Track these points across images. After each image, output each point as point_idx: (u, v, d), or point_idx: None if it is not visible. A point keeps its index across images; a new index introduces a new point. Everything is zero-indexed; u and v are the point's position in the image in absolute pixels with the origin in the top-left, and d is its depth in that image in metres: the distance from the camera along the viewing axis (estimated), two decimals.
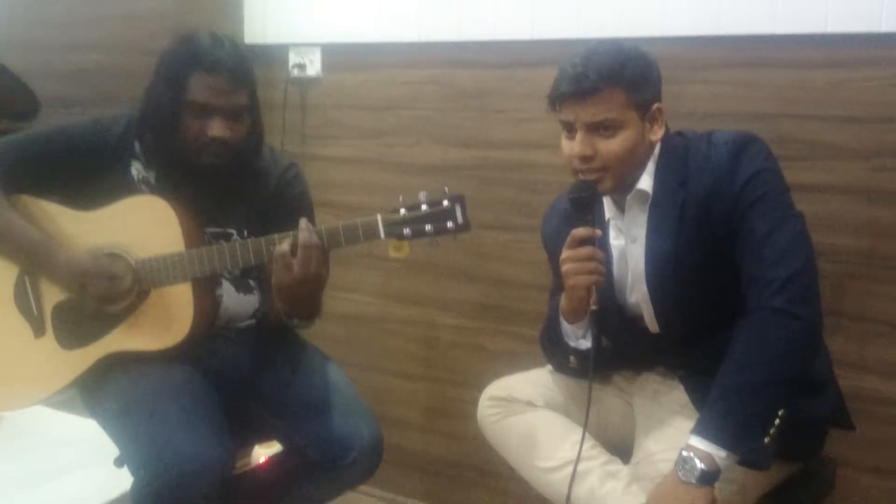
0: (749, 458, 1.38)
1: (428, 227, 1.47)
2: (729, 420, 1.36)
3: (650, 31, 1.93)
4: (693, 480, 1.33)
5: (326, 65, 2.46)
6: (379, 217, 1.48)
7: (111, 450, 1.62)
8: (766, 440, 1.39)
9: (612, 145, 1.47)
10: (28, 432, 2.53)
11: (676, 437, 1.43)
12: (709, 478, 1.34)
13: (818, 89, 1.83)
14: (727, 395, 1.38)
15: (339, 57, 2.43)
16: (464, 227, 1.47)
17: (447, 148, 2.30)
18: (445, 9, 2.22)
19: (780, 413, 1.40)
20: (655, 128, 1.51)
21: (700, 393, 1.50)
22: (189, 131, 1.60)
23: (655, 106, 1.50)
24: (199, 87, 1.58)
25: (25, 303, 1.68)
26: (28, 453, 2.50)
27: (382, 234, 1.48)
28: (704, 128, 1.59)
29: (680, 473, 1.35)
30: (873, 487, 1.85)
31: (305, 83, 2.50)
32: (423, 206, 1.47)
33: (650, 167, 1.52)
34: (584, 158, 1.48)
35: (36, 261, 1.64)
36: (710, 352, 1.47)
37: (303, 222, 1.50)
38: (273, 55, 2.49)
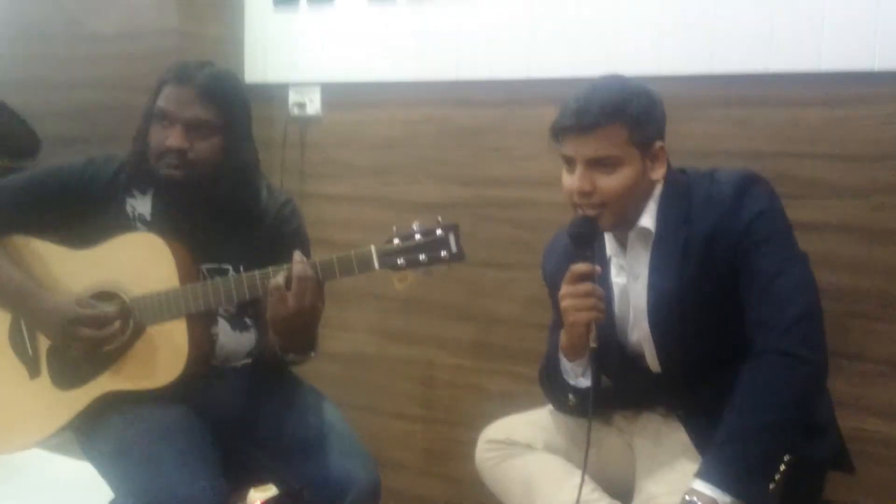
0: (754, 503, 1.36)
1: (422, 257, 1.46)
2: (734, 465, 1.34)
3: (645, 70, 1.94)
4: None
5: (326, 103, 2.48)
6: (373, 248, 1.48)
7: (106, 493, 1.60)
8: (770, 486, 1.36)
9: (611, 181, 1.46)
10: (24, 474, 2.50)
11: (678, 480, 1.41)
12: None
13: (813, 127, 1.84)
14: (733, 438, 1.36)
15: (338, 96, 2.45)
16: (458, 257, 1.46)
17: (445, 186, 2.31)
18: (444, 48, 2.24)
19: (785, 458, 1.38)
20: (657, 166, 1.50)
21: (702, 434, 1.48)
22: (152, 140, 1.63)
23: (658, 144, 1.50)
24: (165, 95, 1.62)
25: (21, 344, 1.68)
26: (24, 496, 2.47)
27: (377, 265, 1.47)
28: (700, 166, 1.59)
29: None
30: None
31: (305, 122, 2.52)
32: (417, 236, 1.46)
33: (652, 205, 1.52)
34: (583, 193, 1.47)
35: (23, 309, 1.65)
36: (712, 392, 1.46)
37: (297, 255, 1.50)
38: (273, 94, 2.52)
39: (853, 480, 1.63)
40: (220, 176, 1.66)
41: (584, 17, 2.04)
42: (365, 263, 1.48)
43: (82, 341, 1.58)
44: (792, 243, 1.47)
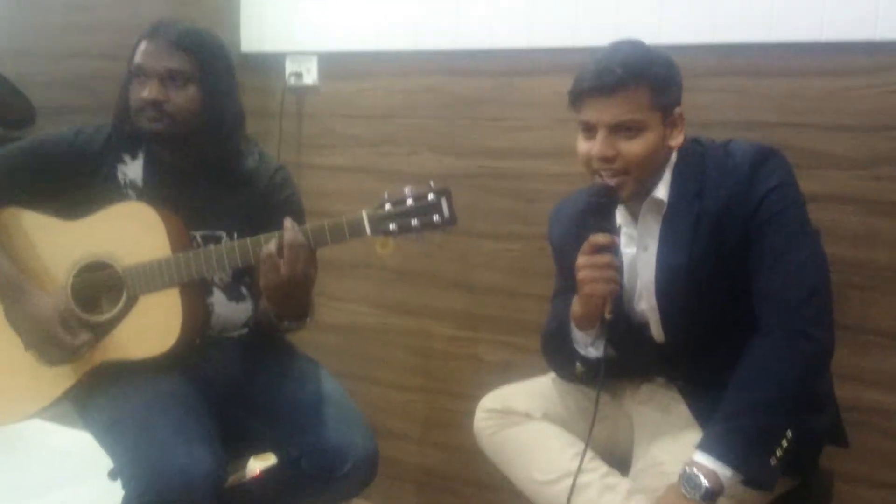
0: (755, 478, 1.36)
1: (414, 222, 1.44)
2: (737, 439, 1.34)
3: (647, 39, 1.90)
4: (696, 497, 1.31)
5: (323, 73, 2.46)
6: (364, 213, 1.46)
7: (106, 462, 1.60)
8: (772, 461, 1.37)
9: (634, 147, 1.43)
10: (23, 445, 2.52)
11: (682, 450, 1.41)
12: (712, 495, 1.32)
13: (814, 97, 1.82)
14: (737, 413, 1.36)
15: (335, 65, 2.43)
16: (450, 221, 1.44)
17: (443, 157, 2.29)
18: (442, 17, 2.22)
19: (787, 434, 1.38)
20: (676, 133, 1.48)
21: (701, 406, 1.49)
22: (132, 96, 1.63)
23: (678, 110, 1.48)
24: (140, 51, 1.63)
25: None
26: (23, 466, 2.48)
27: (368, 231, 1.45)
28: (700, 135, 1.58)
29: (683, 489, 1.33)
30: (873, 500, 1.83)
31: (302, 92, 2.50)
32: (409, 201, 1.44)
33: (667, 175, 1.50)
34: (606, 159, 1.44)
35: (8, 300, 1.63)
36: (713, 364, 1.46)
37: (287, 222, 1.48)
38: (270, 64, 2.50)
39: (851, 451, 1.64)
40: (200, 128, 1.65)
41: None
42: (356, 229, 1.46)
43: (56, 343, 1.58)
44: (804, 219, 1.45)
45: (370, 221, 1.45)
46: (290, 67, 2.48)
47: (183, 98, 1.63)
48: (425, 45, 2.26)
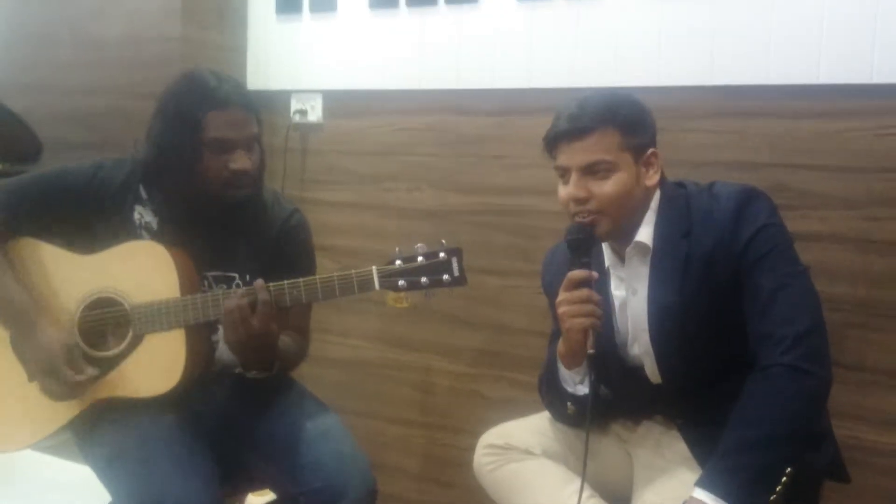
0: None
1: (423, 280, 1.48)
2: (736, 476, 1.34)
3: (644, 81, 1.96)
4: None
5: (327, 111, 2.49)
6: (374, 269, 1.49)
7: (102, 495, 1.60)
8: (771, 497, 1.37)
9: (605, 187, 1.47)
10: (21, 476, 2.50)
11: (677, 489, 1.41)
12: None
13: (809, 139, 1.85)
14: (736, 449, 1.36)
15: (339, 103, 2.47)
16: (459, 281, 1.48)
17: (445, 193, 2.32)
18: (444, 57, 2.26)
19: (787, 470, 1.38)
20: (651, 172, 1.52)
21: (700, 444, 1.49)
22: (210, 169, 1.60)
23: (650, 151, 1.52)
24: (216, 124, 1.60)
25: (21, 345, 1.67)
26: (23, 498, 2.47)
27: (377, 286, 1.49)
28: (697, 176, 1.60)
29: None
30: None
31: (306, 129, 2.53)
32: (420, 259, 1.48)
33: (650, 217, 1.53)
34: (579, 200, 1.48)
35: (16, 330, 1.64)
36: (711, 402, 1.47)
37: (258, 282, 1.54)
38: (275, 101, 2.53)
39: (849, 489, 1.63)
40: (261, 179, 1.70)
41: (583, 27, 2.06)
42: (366, 284, 1.50)
43: (60, 379, 1.57)
44: (792, 258, 1.47)
45: (380, 277, 1.49)
46: (294, 105, 2.52)
47: (258, 160, 1.67)
48: (427, 84, 2.29)
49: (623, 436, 1.68)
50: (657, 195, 1.55)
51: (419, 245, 1.49)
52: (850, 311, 1.82)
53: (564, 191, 1.51)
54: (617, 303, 1.59)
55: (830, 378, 1.42)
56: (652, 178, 1.52)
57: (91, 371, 1.59)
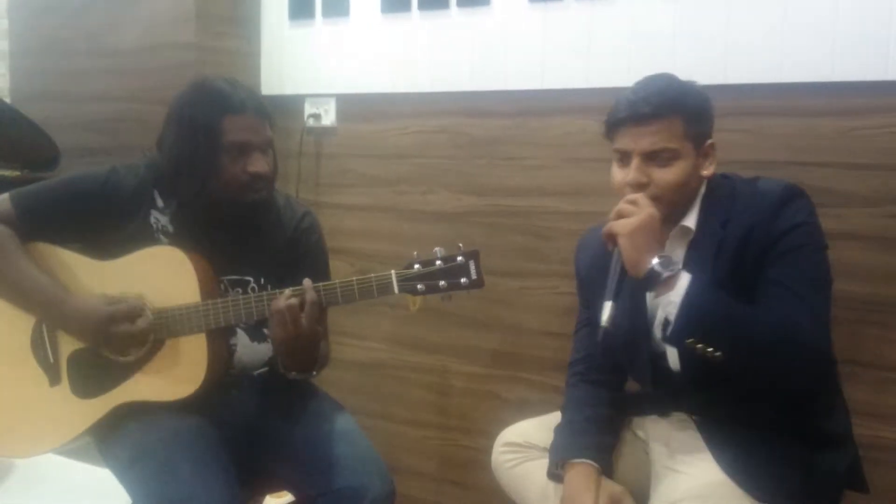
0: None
1: (442, 283, 1.50)
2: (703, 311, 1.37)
3: None
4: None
5: (341, 115, 2.51)
6: (393, 273, 1.51)
7: (122, 498, 1.62)
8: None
9: (667, 174, 1.47)
10: (42, 480, 2.53)
11: (696, 486, 1.41)
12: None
13: (826, 137, 1.84)
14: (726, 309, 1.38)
15: (352, 107, 2.48)
16: (477, 284, 1.50)
17: (459, 195, 2.33)
18: (457, 59, 2.26)
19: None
20: (708, 163, 1.52)
21: (717, 441, 1.49)
22: (227, 172, 1.62)
23: (709, 142, 1.52)
24: (234, 128, 1.61)
25: (42, 351, 1.69)
26: (42, 501, 2.49)
27: (396, 290, 1.52)
28: (729, 171, 1.60)
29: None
30: None
31: (320, 133, 2.54)
32: (438, 262, 1.50)
33: (696, 205, 1.53)
34: (639, 186, 1.47)
35: (47, 312, 1.66)
36: (728, 398, 1.46)
37: (307, 282, 1.54)
38: (289, 105, 2.55)
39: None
40: (272, 189, 1.72)
41: (596, 27, 2.06)
42: (385, 288, 1.52)
43: (119, 337, 1.60)
44: (818, 261, 1.45)
45: (399, 281, 1.51)
46: (308, 109, 2.53)
47: (273, 164, 1.70)
48: (440, 87, 2.30)
49: (640, 432, 1.68)
50: (704, 183, 1.54)
51: (437, 249, 1.51)
52: (868, 309, 1.81)
53: (622, 174, 1.49)
54: None
55: (827, 361, 1.41)
56: (708, 169, 1.52)
57: (148, 314, 1.60)
